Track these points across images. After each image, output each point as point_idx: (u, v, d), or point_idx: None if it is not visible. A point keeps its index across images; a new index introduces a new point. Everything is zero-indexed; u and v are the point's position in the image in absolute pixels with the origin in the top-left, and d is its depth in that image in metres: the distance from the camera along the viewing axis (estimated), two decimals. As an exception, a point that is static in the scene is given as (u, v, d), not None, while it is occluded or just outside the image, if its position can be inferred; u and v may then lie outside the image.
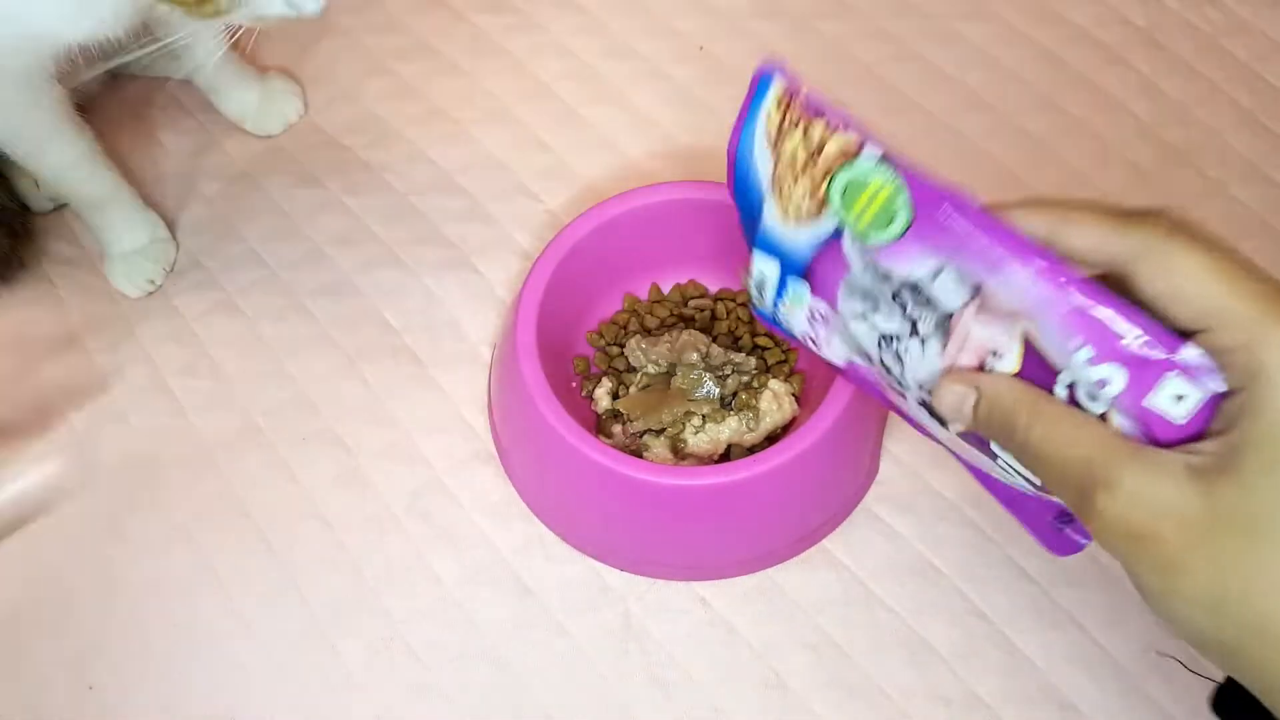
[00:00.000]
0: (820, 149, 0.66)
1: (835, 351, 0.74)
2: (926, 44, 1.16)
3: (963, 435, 0.66)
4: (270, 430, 0.98)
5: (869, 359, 0.71)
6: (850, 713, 0.84)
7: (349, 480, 0.95)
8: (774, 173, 0.70)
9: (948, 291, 0.62)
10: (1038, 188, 1.06)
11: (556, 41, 1.19)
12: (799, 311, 0.75)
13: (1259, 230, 1.03)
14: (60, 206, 1.11)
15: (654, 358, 0.93)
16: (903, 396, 0.69)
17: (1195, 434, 0.52)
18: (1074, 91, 1.12)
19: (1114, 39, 1.15)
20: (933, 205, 0.62)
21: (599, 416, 0.94)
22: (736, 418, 0.90)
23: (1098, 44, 1.15)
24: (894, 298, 0.65)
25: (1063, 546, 0.69)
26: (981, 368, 0.61)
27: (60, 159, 0.97)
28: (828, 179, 0.66)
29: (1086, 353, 0.55)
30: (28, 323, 1.05)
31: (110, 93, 1.00)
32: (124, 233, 1.05)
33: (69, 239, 1.10)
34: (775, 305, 0.77)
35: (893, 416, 0.95)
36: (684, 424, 0.91)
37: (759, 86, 0.70)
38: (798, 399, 0.93)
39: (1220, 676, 0.80)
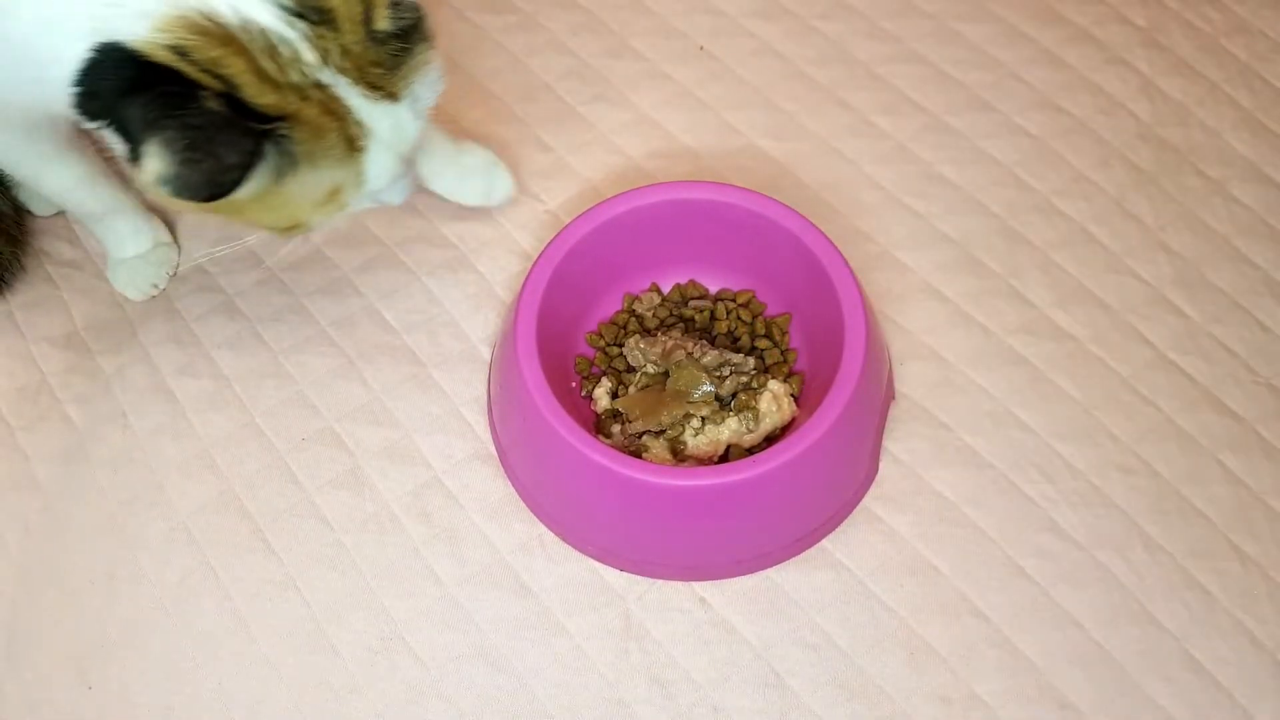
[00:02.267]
0: None
1: None
2: (926, 44, 1.16)
3: None
4: (270, 430, 0.98)
5: None
6: (849, 712, 0.84)
7: (349, 480, 0.95)
8: None
9: None
10: (1038, 188, 1.06)
11: (556, 41, 1.19)
12: None
13: (1260, 230, 1.03)
14: (61, 211, 1.11)
15: (652, 358, 0.93)
16: None
17: None
18: (1074, 91, 1.12)
19: (1114, 39, 1.15)
20: None
21: (598, 416, 0.94)
22: (736, 419, 0.90)
23: (1098, 44, 1.15)
24: None
25: None
26: None
27: (61, 181, 0.96)
28: None
29: None
30: (29, 324, 1.05)
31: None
32: (127, 239, 1.04)
33: (70, 240, 1.10)
34: None
35: (892, 417, 0.95)
36: (684, 425, 0.91)
37: None
38: (796, 400, 0.93)
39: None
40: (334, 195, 0.75)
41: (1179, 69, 1.13)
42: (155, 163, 0.63)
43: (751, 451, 0.89)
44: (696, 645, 0.87)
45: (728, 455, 0.90)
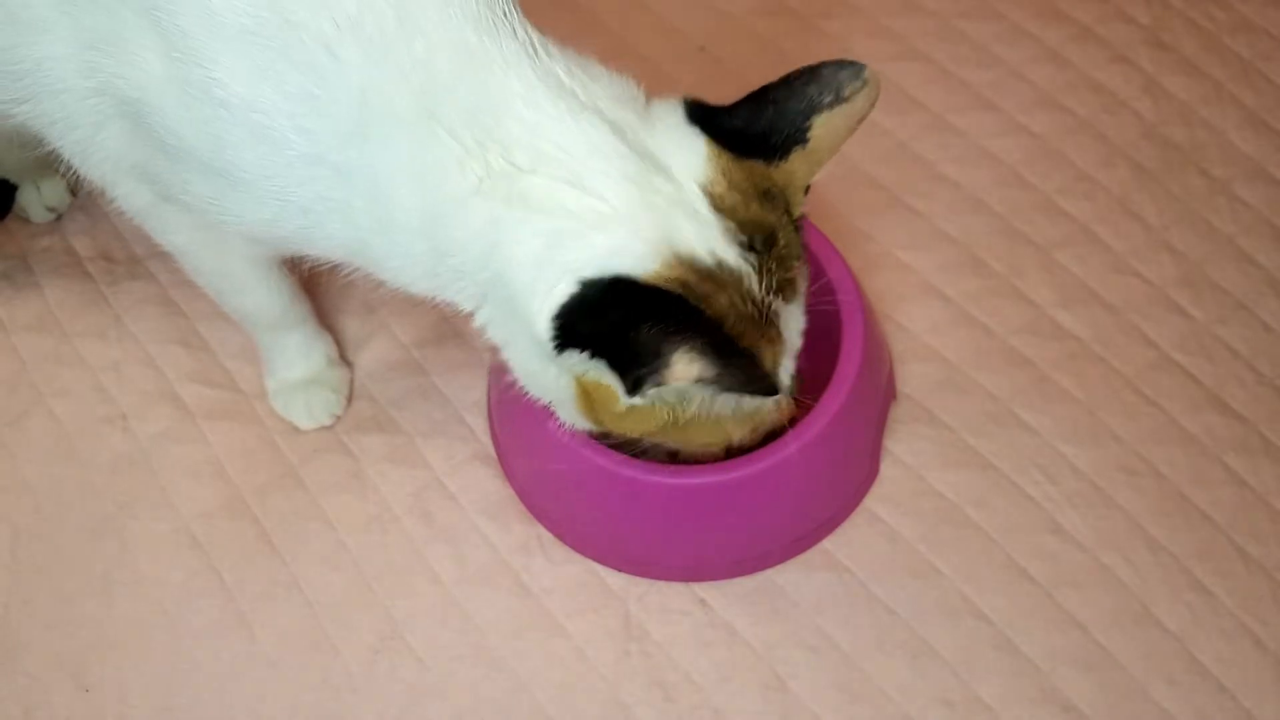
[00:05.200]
0: None
1: None
2: (929, 42, 1.15)
3: None
4: (274, 430, 0.98)
5: None
6: (851, 715, 0.84)
7: (351, 482, 0.95)
8: None
9: None
10: (1040, 187, 1.06)
11: (556, 40, 1.18)
12: None
13: (1264, 230, 1.03)
14: (60, 216, 1.10)
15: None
16: None
17: None
18: (1077, 90, 1.11)
19: (1117, 37, 1.14)
20: None
21: (598, 417, 0.94)
22: (734, 418, 0.90)
23: (1101, 42, 1.14)
24: None
25: None
26: None
27: (262, 299, 0.92)
28: None
29: None
30: (11, 319, 1.05)
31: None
32: (296, 358, 0.98)
33: (49, 229, 1.09)
34: None
35: (893, 417, 0.94)
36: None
37: None
38: (795, 400, 0.92)
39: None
40: (756, 412, 0.77)
41: (1182, 67, 1.12)
42: (693, 368, 0.66)
43: (750, 451, 0.89)
44: (697, 647, 0.87)
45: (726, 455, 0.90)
